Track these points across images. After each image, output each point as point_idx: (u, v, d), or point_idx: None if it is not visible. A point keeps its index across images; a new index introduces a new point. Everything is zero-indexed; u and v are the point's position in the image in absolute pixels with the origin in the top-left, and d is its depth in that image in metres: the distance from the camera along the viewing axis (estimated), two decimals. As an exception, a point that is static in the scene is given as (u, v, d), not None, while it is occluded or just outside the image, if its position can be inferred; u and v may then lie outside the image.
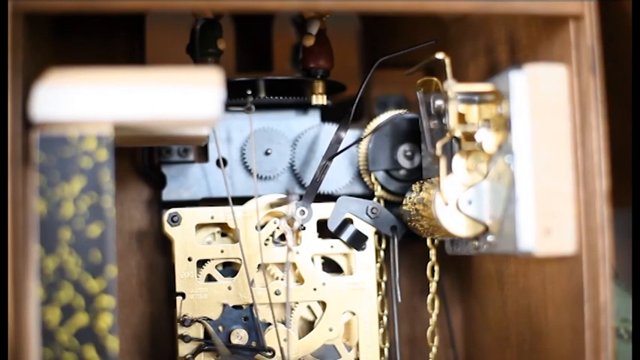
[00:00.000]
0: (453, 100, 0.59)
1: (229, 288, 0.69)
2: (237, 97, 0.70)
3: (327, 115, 0.74)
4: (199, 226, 0.70)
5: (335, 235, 0.70)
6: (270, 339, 0.69)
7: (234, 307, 0.69)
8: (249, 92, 0.68)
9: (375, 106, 0.78)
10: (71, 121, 0.51)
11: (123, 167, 0.75)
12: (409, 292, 0.78)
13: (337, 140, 0.69)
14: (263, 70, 0.77)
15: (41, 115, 0.50)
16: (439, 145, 0.60)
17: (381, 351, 0.72)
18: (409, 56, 0.69)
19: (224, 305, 0.69)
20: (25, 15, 0.51)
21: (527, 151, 0.56)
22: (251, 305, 0.69)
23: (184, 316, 0.68)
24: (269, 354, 0.68)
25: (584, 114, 0.56)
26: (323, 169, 0.69)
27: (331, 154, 0.69)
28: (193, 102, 0.52)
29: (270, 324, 0.69)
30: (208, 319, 0.68)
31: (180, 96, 0.52)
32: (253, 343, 0.68)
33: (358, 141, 0.71)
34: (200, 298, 0.69)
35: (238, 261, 0.69)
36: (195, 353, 0.68)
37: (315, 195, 0.70)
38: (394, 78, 0.75)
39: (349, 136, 0.70)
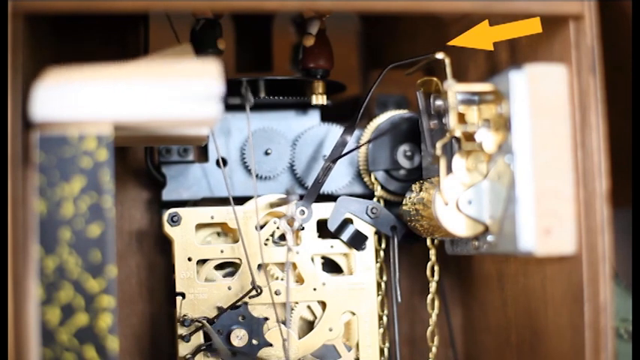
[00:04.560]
0: (452, 100, 0.59)
1: (229, 288, 0.69)
2: (236, 97, 0.70)
3: (327, 115, 0.74)
4: (199, 226, 0.70)
5: (335, 235, 0.70)
6: (270, 338, 0.69)
7: (232, 307, 0.69)
8: (245, 84, 0.68)
9: (375, 106, 0.78)
10: (71, 121, 0.51)
11: (123, 167, 0.75)
12: (409, 292, 0.78)
13: (342, 143, 0.69)
14: (263, 70, 0.77)
15: (41, 115, 0.50)
16: (439, 145, 0.60)
17: (381, 351, 0.72)
18: (410, 57, 0.69)
19: (219, 308, 0.68)
20: (25, 15, 0.51)
21: (527, 151, 0.56)
22: (245, 303, 0.68)
23: (184, 316, 0.68)
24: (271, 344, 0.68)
25: (584, 114, 0.56)
26: (326, 171, 0.69)
27: (335, 157, 0.69)
28: (193, 102, 0.52)
29: (267, 318, 0.69)
30: (208, 320, 0.68)
31: (180, 96, 0.52)
32: (254, 341, 0.68)
33: (362, 145, 0.71)
34: (200, 298, 0.69)
35: (238, 261, 0.69)
36: (194, 353, 0.68)
37: (316, 195, 0.70)
38: (394, 78, 0.75)
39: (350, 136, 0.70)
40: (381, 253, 0.72)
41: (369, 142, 0.71)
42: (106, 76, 0.51)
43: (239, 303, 0.68)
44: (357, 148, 0.71)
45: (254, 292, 0.68)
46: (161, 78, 0.52)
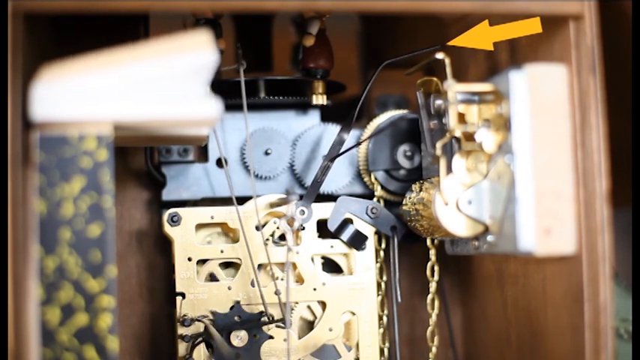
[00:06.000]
0: (452, 100, 0.59)
1: (229, 288, 0.69)
2: (236, 97, 0.70)
3: (327, 115, 0.74)
4: (199, 226, 0.70)
5: (335, 235, 0.70)
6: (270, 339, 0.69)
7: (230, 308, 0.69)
8: (239, 45, 0.68)
9: (375, 106, 0.78)
10: (71, 121, 0.51)
11: (123, 167, 0.75)
12: (409, 292, 0.78)
13: (340, 141, 0.69)
14: (263, 70, 0.77)
15: (41, 114, 0.50)
16: (439, 145, 0.60)
17: (381, 351, 0.72)
18: (410, 56, 0.69)
19: (213, 313, 0.68)
20: (25, 15, 0.51)
21: (527, 151, 0.56)
22: (238, 302, 0.68)
23: (184, 316, 0.68)
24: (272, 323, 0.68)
25: (584, 114, 0.56)
26: (324, 170, 0.69)
27: (333, 155, 0.69)
28: (193, 102, 0.52)
29: (262, 312, 0.68)
30: (209, 319, 0.68)
31: (180, 96, 0.52)
32: (255, 337, 0.68)
33: (360, 143, 0.71)
34: (200, 298, 0.69)
35: (238, 261, 0.69)
36: (191, 349, 0.68)
37: (316, 195, 0.70)
38: (394, 78, 0.75)
39: (350, 136, 0.70)
40: (381, 253, 0.72)
41: (366, 139, 0.71)
42: (105, 68, 0.51)
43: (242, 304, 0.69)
44: (355, 146, 0.71)
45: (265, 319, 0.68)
46: (155, 56, 0.51)
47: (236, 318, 0.68)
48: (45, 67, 0.51)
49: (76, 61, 0.52)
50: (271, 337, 0.68)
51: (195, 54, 0.51)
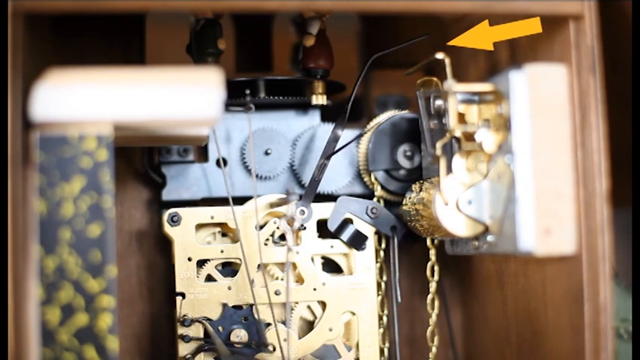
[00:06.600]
0: (452, 100, 0.59)
1: (229, 288, 0.69)
2: (237, 97, 0.70)
3: (327, 115, 0.74)
4: (199, 226, 0.70)
5: (335, 235, 0.70)
6: (270, 339, 0.69)
7: (234, 307, 0.69)
8: (248, 92, 0.68)
9: (375, 106, 0.78)
10: (71, 121, 0.51)
11: (123, 167, 0.75)
12: (409, 292, 0.78)
13: (334, 139, 0.69)
14: (263, 70, 0.77)
15: (41, 115, 0.50)
16: (439, 145, 0.60)
17: (381, 351, 0.72)
18: (409, 56, 0.69)
19: (224, 305, 0.69)
20: (25, 15, 0.51)
21: (527, 151, 0.56)
22: (251, 305, 0.69)
23: (184, 316, 0.68)
24: (270, 349, 0.68)
25: (584, 114, 0.56)
26: (321, 168, 0.69)
27: (329, 153, 0.69)
28: (193, 102, 0.52)
29: (269, 324, 0.69)
30: (208, 320, 0.68)
31: (180, 96, 0.52)
32: (254, 344, 0.68)
33: (355, 138, 0.71)
34: (200, 298, 0.69)
35: (238, 261, 0.69)
36: (195, 353, 0.68)
37: (315, 194, 0.70)
38: (394, 78, 0.75)
39: (349, 135, 0.70)
40: (381, 253, 0.72)
41: (358, 137, 0.71)
42: (106, 77, 0.51)
43: (244, 306, 0.69)
44: (351, 142, 0.70)
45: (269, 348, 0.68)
46: (162, 81, 0.52)
47: (242, 319, 0.69)
48: (47, 71, 0.51)
49: (79, 73, 0.52)
50: (269, 351, 0.68)
51: (203, 90, 0.51)
